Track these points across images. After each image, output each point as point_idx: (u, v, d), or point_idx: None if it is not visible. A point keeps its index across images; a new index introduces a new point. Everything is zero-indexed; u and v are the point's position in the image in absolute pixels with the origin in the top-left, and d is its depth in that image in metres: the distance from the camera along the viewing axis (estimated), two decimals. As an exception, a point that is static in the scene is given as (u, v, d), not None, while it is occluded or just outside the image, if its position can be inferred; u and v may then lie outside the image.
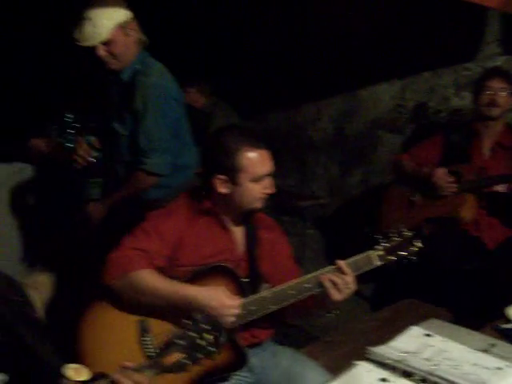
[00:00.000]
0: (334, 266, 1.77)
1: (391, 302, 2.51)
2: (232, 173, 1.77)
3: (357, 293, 1.83)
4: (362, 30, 3.92)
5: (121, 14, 2.43)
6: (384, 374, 1.43)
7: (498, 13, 3.22)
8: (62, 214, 3.07)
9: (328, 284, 1.73)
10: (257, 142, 1.79)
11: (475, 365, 1.45)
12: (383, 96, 3.95)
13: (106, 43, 2.41)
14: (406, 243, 1.89)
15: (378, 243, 1.86)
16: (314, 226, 4.51)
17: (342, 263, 1.76)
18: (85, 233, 2.75)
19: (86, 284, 1.91)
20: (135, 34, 2.48)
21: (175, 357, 1.30)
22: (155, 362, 1.30)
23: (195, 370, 1.58)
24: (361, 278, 1.81)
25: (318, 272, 1.77)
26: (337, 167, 4.35)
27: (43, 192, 3.42)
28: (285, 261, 1.98)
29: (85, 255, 2.71)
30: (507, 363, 1.49)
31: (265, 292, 1.77)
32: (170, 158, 2.51)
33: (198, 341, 1.32)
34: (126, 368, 1.27)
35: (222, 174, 1.78)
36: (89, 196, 2.70)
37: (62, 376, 1.27)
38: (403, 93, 3.83)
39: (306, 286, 1.76)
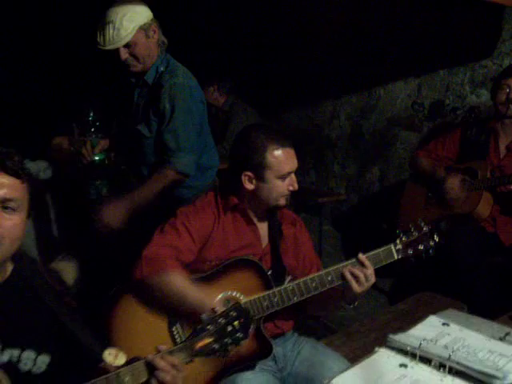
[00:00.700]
0: (354, 259, 1.84)
1: (409, 296, 2.57)
2: (259, 170, 1.83)
3: (376, 287, 1.86)
4: (379, 28, 3.95)
5: (142, 16, 2.43)
6: (403, 360, 1.48)
7: (514, 10, 3.23)
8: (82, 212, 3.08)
9: (349, 276, 1.80)
10: (283, 140, 1.85)
11: (491, 352, 1.50)
12: (400, 94, 3.97)
13: (128, 46, 2.41)
14: (425, 238, 1.96)
15: (397, 238, 1.93)
16: (332, 222, 4.55)
17: (362, 257, 1.83)
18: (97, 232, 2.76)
19: (114, 276, 1.96)
20: (156, 36, 2.49)
21: (205, 341, 1.37)
22: (186, 346, 1.37)
23: (223, 358, 1.67)
24: (379, 273, 1.86)
25: (340, 265, 1.83)
26: (354, 164, 4.38)
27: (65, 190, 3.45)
28: (307, 254, 2.04)
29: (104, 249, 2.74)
30: (522, 351, 1.52)
31: (288, 284, 1.84)
32: (195, 158, 2.52)
33: (227, 327, 1.40)
34: (159, 351, 1.35)
35: (249, 171, 1.84)
36: (88, 196, 2.69)
37: (102, 360, 1.36)
38: (419, 90, 3.85)
39: (328, 278, 1.82)
